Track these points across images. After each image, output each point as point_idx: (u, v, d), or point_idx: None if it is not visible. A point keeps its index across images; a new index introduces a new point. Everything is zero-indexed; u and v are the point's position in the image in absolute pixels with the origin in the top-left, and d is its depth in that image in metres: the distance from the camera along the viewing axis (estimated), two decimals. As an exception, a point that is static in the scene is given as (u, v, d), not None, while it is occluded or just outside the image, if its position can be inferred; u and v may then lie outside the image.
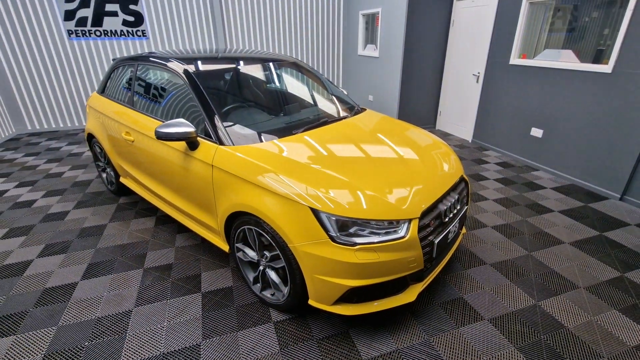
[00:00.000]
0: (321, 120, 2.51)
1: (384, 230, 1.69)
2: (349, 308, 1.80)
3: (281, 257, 1.85)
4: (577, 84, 3.68)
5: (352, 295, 1.76)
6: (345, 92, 3.07)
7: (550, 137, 4.07)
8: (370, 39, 6.62)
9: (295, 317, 2.04)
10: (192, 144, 2.16)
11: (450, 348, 1.83)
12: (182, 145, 2.25)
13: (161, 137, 2.05)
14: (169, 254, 2.65)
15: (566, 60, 3.78)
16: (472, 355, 1.77)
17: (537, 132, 4.22)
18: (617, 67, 3.29)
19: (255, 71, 2.81)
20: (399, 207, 1.71)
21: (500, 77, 4.62)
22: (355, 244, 1.65)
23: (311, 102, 2.86)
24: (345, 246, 1.65)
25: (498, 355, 1.77)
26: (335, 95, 2.97)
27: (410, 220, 1.73)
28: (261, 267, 2.08)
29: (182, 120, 2.08)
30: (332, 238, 1.66)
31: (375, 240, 1.67)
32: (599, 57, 3.50)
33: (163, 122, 2.47)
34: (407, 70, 5.60)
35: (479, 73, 5.00)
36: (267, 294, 2.12)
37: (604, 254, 2.62)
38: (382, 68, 6.12)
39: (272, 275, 2.02)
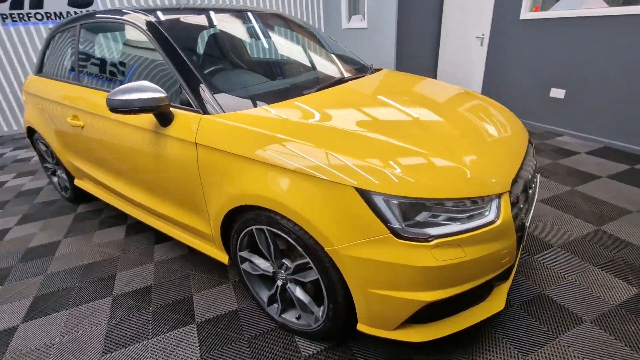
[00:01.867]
0: (333, 79, 1.91)
1: (467, 214, 1.13)
2: (420, 331, 1.23)
3: (312, 266, 1.27)
4: (606, 31, 3.24)
5: (425, 313, 1.20)
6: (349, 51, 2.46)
7: (575, 96, 3.64)
8: (354, 9, 6.02)
9: (332, 345, 1.46)
10: (164, 117, 1.51)
11: (560, 370, 1.31)
12: (149, 120, 1.60)
13: (117, 107, 1.40)
14: (147, 272, 2.00)
15: (591, 6, 3.33)
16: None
17: (558, 93, 3.78)
18: (658, 6, 2.86)
19: (238, 25, 2.16)
20: (483, 179, 1.16)
21: (510, 36, 4.15)
22: (430, 237, 1.09)
23: (314, 60, 2.24)
24: (416, 242, 1.08)
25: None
26: (338, 54, 2.36)
27: (499, 196, 1.18)
28: (279, 282, 1.48)
29: (145, 82, 1.43)
30: (394, 232, 1.08)
31: (458, 230, 1.11)
32: (631, -2, 3.06)
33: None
34: (402, 40, 5.06)
35: (483, 35, 4.51)
36: (289, 317, 1.53)
37: (681, 221, 2.18)
38: (372, 40, 5.54)
39: (298, 292, 1.43)
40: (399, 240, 1.08)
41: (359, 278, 1.14)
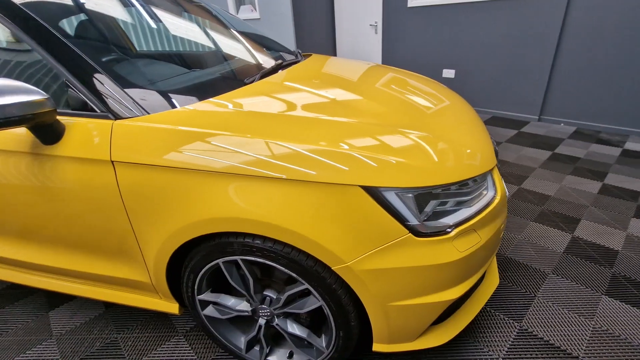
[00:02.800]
0: (268, 67, 1.62)
1: (471, 196, 1.03)
2: (439, 333, 1.11)
3: (312, 292, 1.01)
4: (485, 15, 3.70)
5: (444, 313, 1.08)
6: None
7: (463, 75, 4.10)
8: None
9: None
10: (48, 130, 1.01)
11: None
12: (21, 138, 1.06)
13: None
14: (48, 353, 1.41)
15: (466, -7, 3.76)
16: None
17: (449, 73, 4.20)
18: (517, -8, 3.38)
19: (127, 6, 1.66)
20: (476, 156, 1.08)
21: (401, 23, 4.43)
22: (449, 227, 0.95)
23: (237, 47, 1.89)
24: (437, 237, 0.94)
25: None
26: (261, 40, 2.06)
27: (491, 171, 1.13)
28: (262, 321, 1.17)
29: (10, 80, 0.92)
30: (413, 230, 0.91)
31: (471, 214, 1.00)
32: (495, -14, 3.55)
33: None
34: (300, 31, 4.94)
35: (376, 23, 4.72)
36: (279, 359, 1.23)
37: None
38: (270, 31, 5.28)
39: (291, 327, 1.14)
40: (420, 239, 0.92)
41: (378, 293, 0.94)
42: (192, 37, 1.67)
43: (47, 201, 1.11)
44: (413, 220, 0.91)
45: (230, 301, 1.17)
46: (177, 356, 1.35)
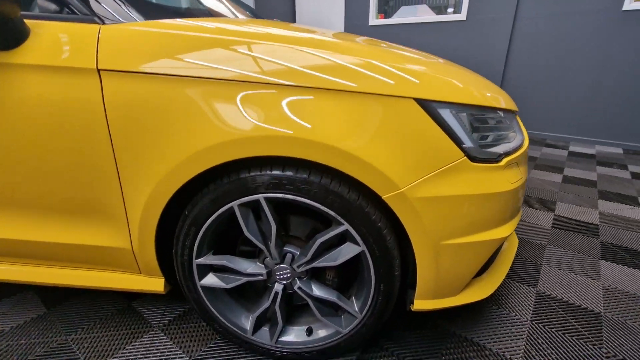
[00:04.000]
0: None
1: (508, 131, 0.98)
2: (480, 287, 1.00)
3: (353, 236, 0.84)
4: (437, 33, 4.02)
5: (488, 260, 0.99)
6: None
7: (421, 89, 4.35)
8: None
9: (360, 355, 1.05)
10: (6, 29, 0.76)
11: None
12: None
13: None
14: (-41, 369, 1.01)
15: (423, 14, 4.07)
16: None
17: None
18: (470, 15, 3.74)
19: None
20: (502, 93, 1.04)
21: (363, 40, 4.64)
22: (499, 156, 0.88)
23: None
24: (491, 164, 0.85)
25: None
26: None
27: (515, 113, 1.10)
28: (278, 288, 0.95)
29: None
30: (469, 154, 0.82)
31: (512, 147, 0.95)
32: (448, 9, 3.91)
33: None
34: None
35: (339, 39, 4.89)
36: (295, 338, 1.01)
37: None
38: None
39: (319, 290, 0.94)
40: (475, 164, 0.83)
41: (432, 228, 0.81)
42: None
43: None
44: (468, 143, 0.82)
45: (242, 263, 0.94)
46: (154, 353, 1.05)
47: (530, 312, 1.21)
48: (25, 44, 0.79)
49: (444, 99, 0.80)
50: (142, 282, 1.00)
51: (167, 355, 1.05)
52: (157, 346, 1.08)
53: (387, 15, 4.38)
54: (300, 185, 0.80)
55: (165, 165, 0.81)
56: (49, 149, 0.84)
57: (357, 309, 0.94)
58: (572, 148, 3.37)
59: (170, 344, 1.08)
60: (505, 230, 0.91)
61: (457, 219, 0.82)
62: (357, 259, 0.96)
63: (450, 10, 3.87)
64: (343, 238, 0.89)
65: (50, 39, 0.78)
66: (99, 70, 0.77)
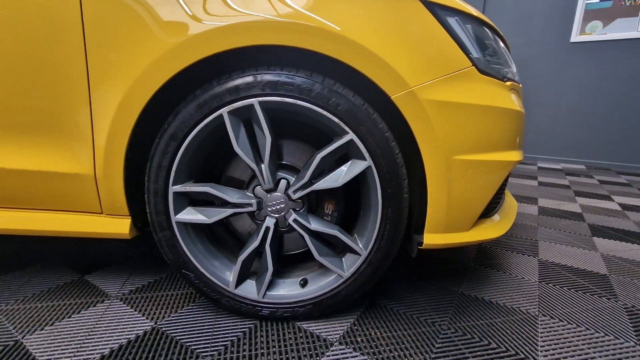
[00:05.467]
0: None
1: (499, 58, 0.95)
2: (491, 226, 0.92)
3: (359, 147, 0.75)
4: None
5: (497, 195, 0.92)
6: None
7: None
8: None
9: (360, 314, 0.90)
10: None
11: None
12: None
13: None
14: None
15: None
16: None
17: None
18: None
19: None
20: None
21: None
22: (504, 77, 0.86)
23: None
24: (497, 80, 0.83)
25: None
26: None
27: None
28: (269, 223, 0.81)
29: None
30: (476, 65, 0.79)
31: (512, 75, 0.93)
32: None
33: None
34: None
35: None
36: (287, 291, 0.85)
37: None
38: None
39: (317, 223, 0.81)
40: (483, 76, 0.79)
41: (443, 138, 0.74)
42: None
43: None
44: (475, 53, 0.79)
45: (228, 191, 0.81)
46: (108, 321, 0.84)
47: (537, 275, 1.13)
48: None
49: (450, 5, 0.78)
50: (104, 223, 0.83)
51: (125, 322, 0.84)
52: (113, 314, 0.87)
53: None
54: (301, 84, 0.72)
55: (146, 57, 0.70)
56: (11, 42, 0.71)
57: (361, 246, 0.81)
58: (540, 164, 3.53)
59: (131, 311, 0.88)
60: (516, 155, 0.86)
61: (468, 130, 0.76)
62: (360, 188, 0.86)
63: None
64: (344, 160, 0.79)
65: None
66: (77, -52, 0.69)
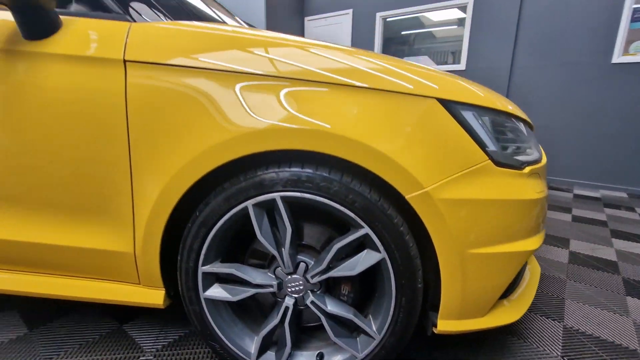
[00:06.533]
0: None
1: (528, 143, 0.96)
2: (508, 308, 0.92)
3: (374, 241, 0.79)
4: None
5: (515, 278, 0.92)
6: None
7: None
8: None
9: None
10: (39, 20, 0.78)
11: None
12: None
13: None
14: None
15: (424, 64, 4.32)
16: None
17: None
18: (469, 65, 3.96)
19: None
20: (518, 108, 1.04)
21: (366, 87, 4.86)
22: (522, 164, 0.86)
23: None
24: (515, 170, 0.83)
25: None
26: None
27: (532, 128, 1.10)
28: (289, 302, 0.87)
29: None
30: (493, 158, 0.80)
31: (533, 158, 0.93)
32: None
33: None
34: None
35: (343, 86, 5.12)
36: (303, 363, 0.91)
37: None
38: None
39: (334, 305, 0.86)
40: (499, 169, 0.80)
41: (458, 234, 0.76)
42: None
43: (11, 125, 0.81)
44: (492, 146, 0.81)
45: (251, 272, 0.87)
46: (144, 381, 0.93)
47: (560, 347, 1.10)
48: (56, 36, 0.80)
49: (467, 101, 0.80)
50: (140, 293, 0.92)
51: (158, 382, 0.93)
52: (148, 372, 0.96)
53: (389, 64, 4.64)
54: (319, 182, 0.76)
55: (182, 158, 0.78)
56: (65, 137, 0.81)
57: (375, 329, 0.85)
58: (576, 191, 3.36)
59: (163, 370, 0.97)
60: (534, 242, 0.86)
61: (483, 225, 0.78)
62: (375, 273, 0.89)
63: (450, 56, 4.10)
64: (361, 246, 0.83)
65: (81, 32, 0.80)
66: (125, 61, 0.78)
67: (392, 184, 0.75)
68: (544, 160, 1.02)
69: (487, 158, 0.79)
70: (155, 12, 0.87)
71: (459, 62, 4.04)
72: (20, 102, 0.80)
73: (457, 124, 0.78)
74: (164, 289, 0.91)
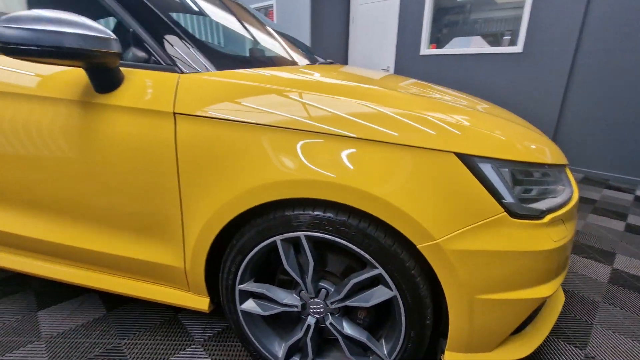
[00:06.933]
0: (318, 59, 1.60)
1: (554, 185, 0.95)
2: (520, 343, 0.96)
3: (387, 281, 0.87)
4: (491, 66, 3.94)
5: (529, 316, 0.95)
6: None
7: (470, 120, 4.25)
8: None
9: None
10: (107, 76, 0.92)
11: None
12: (69, 83, 0.97)
13: (18, 43, 0.77)
14: (34, 357, 1.16)
15: (477, 46, 4.03)
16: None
17: (457, 117, 4.35)
18: (527, 47, 3.63)
19: None
20: (551, 146, 1.02)
21: (412, 69, 4.67)
22: (542, 212, 0.87)
23: (285, 42, 1.88)
24: (532, 220, 0.84)
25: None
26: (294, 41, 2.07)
27: (565, 167, 1.07)
28: (311, 321, 1.00)
29: (76, 15, 0.85)
30: (509, 210, 0.82)
31: (559, 203, 0.92)
32: (504, 41, 3.83)
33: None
34: (313, 68, 5.14)
35: (388, 67, 4.97)
36: (323, 372, 1.05)
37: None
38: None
39: (349, 328, 0.98)
40: (515, 220, 0.83)
41: (467, 282, 0.82)
42: (247, 30, 1.64)
43: (87, 162, 0.99)
44: (509, 198, 0.82)
45: (279, 293, 1.00)
46: (194, 368, 1.14)
47: (576, 377, 1.13)
48: (120, 88, 0.94)
49: (486, 154, 0.82)
50: (189, 299, 1.10)
51: (204, 370, 1.12)
52: (196, 360, 1.16)
53: (439, 45, 4.39)
54: (339, 227, 0.85)
55: (223, 198, 0.90)
56: (128, 174, 0.97)
57: (386, 353, 0.95)
58: (639, 192, 3.07)
59: (208, 360, 1.17)
60: (547, 289, 0.88)
61: (494, 274, 0.82)
62: (390, 300, 0.98)
63: (507, 36, 3.77)
64: (377, 280, 0.92)
65: (138, 85, 0.93)
66: (174, 114, 0.90)
67: (403, 234, 0.81)
68: (575, 199, 1.01)
69: (503, 210, 0.81)
70: (201, 61, 0.97)
71: (515, 44, 3.71)
72: (94, 143, 0.97)
73: (473, 178, 0.80)
74: (208, 297, 1.08)
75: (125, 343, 1.23)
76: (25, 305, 1.42)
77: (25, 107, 1.01)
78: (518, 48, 3.67)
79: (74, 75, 0.97)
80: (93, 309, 1.40)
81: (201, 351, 1.20)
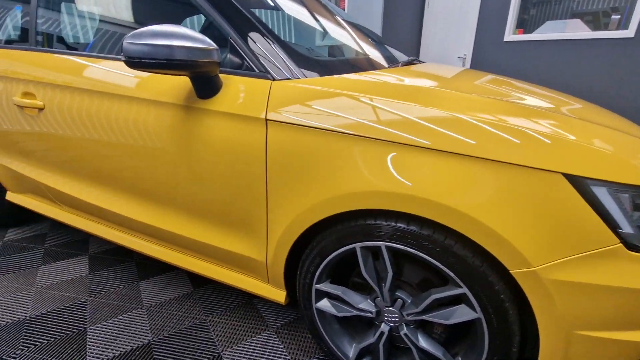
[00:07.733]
0: (404, 59, 1.55)
1: None
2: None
3: (471, 301, 0.84)
4: (587, 52, 3.44)
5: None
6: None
7: (560, 114, 3.79)
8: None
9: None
10: (207, 83, 1.00)
11: None
12: (174, 89, 1.07)
13: (142, 57, 0.87)
14: (139, 324, 1.36)
15: (575, 29, 3.54)
16: None
17: (544, 111, 3.91)
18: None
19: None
20: None
21: (493, 57, 4.28)
22: (671, 244, 0.75)
23: (375, 43, 1.86)
24: (653, 255, 0.73)
25: None
26: (379, 41, 2.02)
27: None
28: (384, 328, 1.01)
29: (184, 28, 0.93)
30: (626, 241, 0.72)
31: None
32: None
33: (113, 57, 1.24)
34: (382, 56, 4.98)
35: (465, 55, 4.61)
36: (393, 379, 1.06)
37: None
38: (351, 56, 5.42)
39: (424, 342, 0.97)
40: (633, 254, 0.72)
41: (565, 315, 0.75)
42: (336, 31, 1.64)
43: (186, 159, 1.10)
44: (627, 228, 0.72)
45: (354, 297, 1.03)
46: (268, 352, 1.22)
47: None
48: (218, 95, 1.02)
49: (600, 177, 0.72)
50: (268, 290, 1.18)
51: (277, 358, 1.21)
52: (271, 347, 1.25)
53: (527, 30, 3.94)
54: (422, 241, 0.83)
55: (307, 203, 0.94)
56: (223, 174, 1.06)
57: (461, 373, 0.92)
58: None
59: (281, 348, 1.25)
60: (663, 333, 0.77)
61: (600, 311, 0.74)
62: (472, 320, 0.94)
63: (615, 17, 3.24)
64: (459, 298, 0.88)
65: (234, 91, 1.00)
66: (266, 120, 0.95)
67: (496, 257, 0.77)
68: None
69: (619, 241, 0.72)
70: (292, 68, 1.00)
71: (626, 27, 3.17)
72: (195, 145, 1.07)
73: (584, 203, 0.72)
74: (285, 291, 1.15)
75: (210, 320, 1.37)
76: (130, 275, 1.66)
77: (135, 107, 1.14)
78: (629, 32, 3.13)
79: (180, 82, 1.08)
80: (182, 286, 1.58)
81: (275, 338, 1.29)
